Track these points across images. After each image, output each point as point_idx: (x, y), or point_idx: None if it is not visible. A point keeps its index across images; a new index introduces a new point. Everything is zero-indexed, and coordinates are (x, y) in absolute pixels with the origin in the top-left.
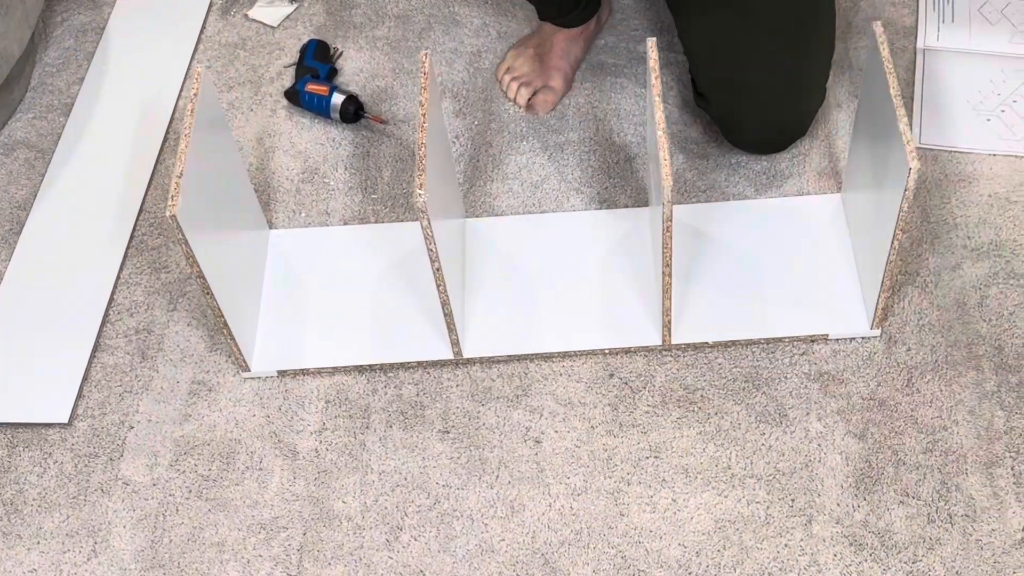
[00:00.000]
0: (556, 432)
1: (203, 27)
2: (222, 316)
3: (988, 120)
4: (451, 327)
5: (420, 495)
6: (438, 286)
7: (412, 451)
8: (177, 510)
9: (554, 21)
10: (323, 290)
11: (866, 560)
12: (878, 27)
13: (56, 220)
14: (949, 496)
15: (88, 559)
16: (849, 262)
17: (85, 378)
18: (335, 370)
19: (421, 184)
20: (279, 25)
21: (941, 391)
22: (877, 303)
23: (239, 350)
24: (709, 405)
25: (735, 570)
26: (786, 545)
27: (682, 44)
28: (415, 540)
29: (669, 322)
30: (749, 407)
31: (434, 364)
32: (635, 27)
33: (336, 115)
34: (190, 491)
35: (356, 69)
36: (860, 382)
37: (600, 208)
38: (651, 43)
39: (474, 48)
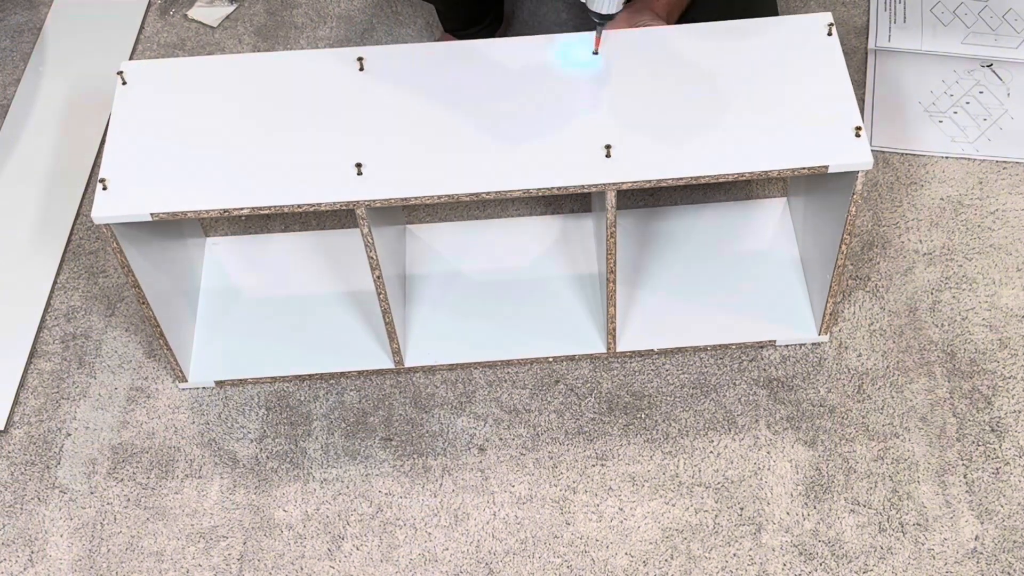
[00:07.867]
0: (501, 439)
1: (142, 27)
2: (159, 327)
3: (940, 122)
4: (392, 336)
5: (362, 503)
6: (379, 294)
7: (354, 459)
8: (115, 519)
9: (456, 35)
10: (261, 298)
11: (816, 570)
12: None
13: None
14: (901, 504)
15: (24, 568)
16: (796, 267)
17: (21, 384)
18: (275, 377)
19: None
20: (219, 25)
21: (892, 397)
22: (825, 309)
23: (177, 361)
24: (656, 412)
25: None
26: (735, 554)
27: None
28: (357, 549)
29: (614, 329)
30: (697, 414)
31: (376, 371)
32: None
33: None
34: (128, 499)
35: None
36: (810, 388)
37: (544, 214)
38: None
39: None
